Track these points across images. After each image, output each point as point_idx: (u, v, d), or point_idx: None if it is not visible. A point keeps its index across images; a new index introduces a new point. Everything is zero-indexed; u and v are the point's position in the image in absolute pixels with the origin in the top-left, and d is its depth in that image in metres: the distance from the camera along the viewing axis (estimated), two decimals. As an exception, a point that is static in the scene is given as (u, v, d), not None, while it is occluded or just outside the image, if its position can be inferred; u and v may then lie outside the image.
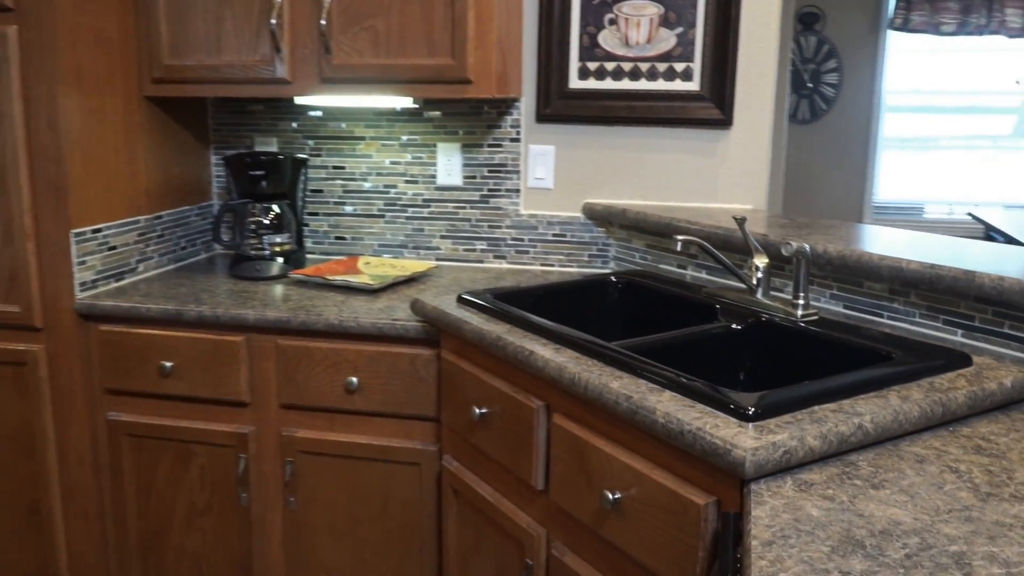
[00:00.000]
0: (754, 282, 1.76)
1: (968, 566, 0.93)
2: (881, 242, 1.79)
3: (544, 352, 1.54)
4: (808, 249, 1.67)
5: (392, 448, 2.05)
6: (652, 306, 2.00)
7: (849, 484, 1.13)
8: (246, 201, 2.40)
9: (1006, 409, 1.39)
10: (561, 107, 2.40)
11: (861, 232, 1.95)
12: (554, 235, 2.48)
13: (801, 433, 1.18)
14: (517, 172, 2.48)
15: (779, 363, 1.66)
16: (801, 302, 1.68)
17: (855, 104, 5.56)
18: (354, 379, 2.01)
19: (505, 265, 2.53)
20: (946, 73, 5.62)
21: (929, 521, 1.04)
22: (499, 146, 2.48)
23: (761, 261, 1.75)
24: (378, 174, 2.58)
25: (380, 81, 2.19)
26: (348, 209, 2.62)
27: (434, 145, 2.52)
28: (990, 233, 4.40)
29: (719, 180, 2.35)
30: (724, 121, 2.30)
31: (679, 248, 1.73)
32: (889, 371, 1.37)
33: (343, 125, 2.58)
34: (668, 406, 1.28)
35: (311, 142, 2.61)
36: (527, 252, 2.51)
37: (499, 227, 2.52)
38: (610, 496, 1.37)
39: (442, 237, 2.56)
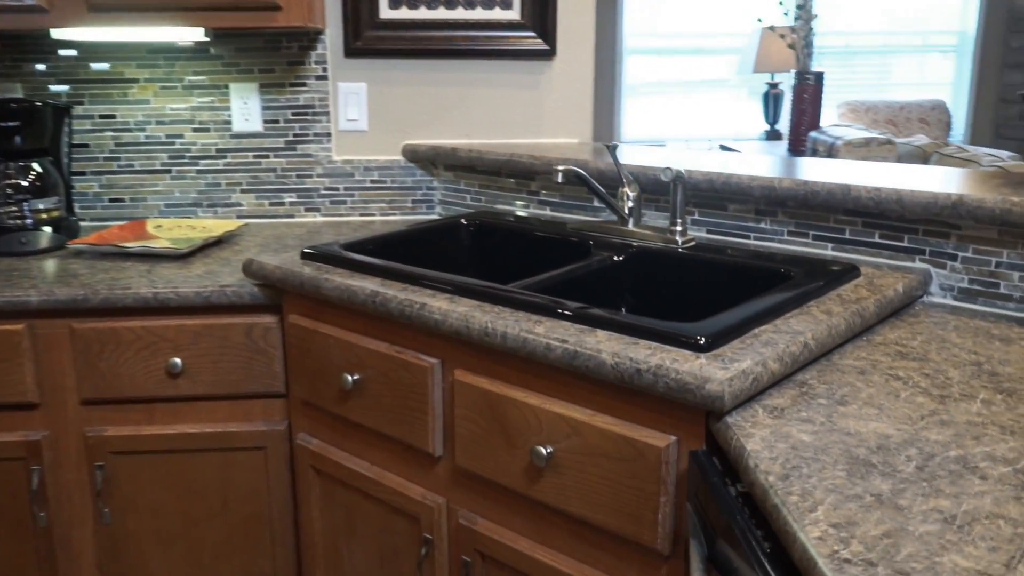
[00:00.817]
0: (626, 212, 1.69)
1: (978, 468, 0.92)
2: (729, 165, 1.79)
3: (438, 304, 1.37)
4: (684, 173, 1.62)
5: (229, 434, 1.78)
6: (516, 248, 1.88)
7: (816, 404, 1.09)
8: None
9: (897, 315, 1.43)
10: (372, 39, 2.17)
11: (703, 157, 1.94)
12: (372, 181, 2.27)
13: (761, 358, 1.12)
14: (326, 114, 2.23)
15: (677, 292, 1.61)
16: (679, 228, 1.64)
17: (599, 47, 5.72)
18: (177, 360, 1.71)
19: (320, 218, 2.28)
20: (686, 16, 5.94)
21: (912, 431, 1.01)
22: (303, 85, 2.21)
23: (633, 190, 1.68)
24: (158, 123, 2.21)
25: (165, 8, 1.85)
26: (123, 165, 2.23)
27: (226, 87, 2.20)
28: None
29: (545, 114, 2.26)
30: (548, 52, 2.21)
31: (560, 179, 1.61)
32: (803, 288, 1.35)
33: (108, 66, 2.18)
34: (612, 346, 1.17)
35: (67, 87, 2.18)
36: (344, 202, 2.28)
37: (310, 176, 2.26)
38: (543, 451, 1.25)
39: (243, 191, 2.26)
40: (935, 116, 5.85)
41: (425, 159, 2.23)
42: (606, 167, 1.84)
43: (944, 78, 6.25)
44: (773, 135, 5.85)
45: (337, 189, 2.27)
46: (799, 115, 4.08)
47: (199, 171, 2.24)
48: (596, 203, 1.95)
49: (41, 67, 2.17)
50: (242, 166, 2.24)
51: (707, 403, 1.06)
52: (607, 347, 1.16)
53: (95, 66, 2.17)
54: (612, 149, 1.67)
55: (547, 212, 2.05)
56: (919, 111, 5.82)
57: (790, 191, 1.60)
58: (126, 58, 2.17)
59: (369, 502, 1.61)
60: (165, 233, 2.05)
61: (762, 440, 1.00)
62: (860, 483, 0.90)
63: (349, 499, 1.65)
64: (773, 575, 0.85)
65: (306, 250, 1.66)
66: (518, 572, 1.37)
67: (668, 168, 1.58)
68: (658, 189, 1.81)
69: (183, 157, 2.23)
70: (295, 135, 2.24)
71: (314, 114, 2.23)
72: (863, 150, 3.35)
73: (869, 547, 0.78)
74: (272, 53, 2.19)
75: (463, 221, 1.94)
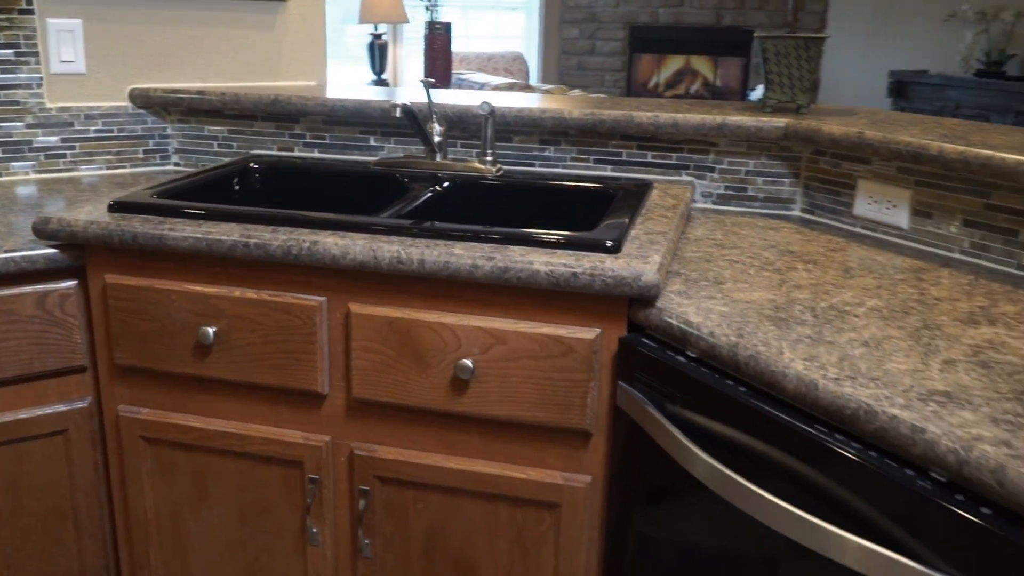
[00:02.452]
0: (436, 146, 1.78)
1: (848, 311, 1.24)
2: (515, 101, 1.97)
3: (332, 240, 1.37)
4: (494, 107, 1.76)
5: (19, 423, 1.54)
6: (324, 188, 1.85)
7: (702, 285, 1.34)
8: None
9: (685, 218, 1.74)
10: (89, -31, 1.94)
11: (476, 94, 2.09)
12: (96, 131, 2.04)
13: (659, 254, 1.33)
14: (35, 54, 1.94)
15: (511, 215, 1.75)
16: (490, 159, 1.78)
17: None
18: (-47, 344, 1.44)
19: (35, 175, 1.99)
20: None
21: (783, 294, 1.31)
22: (3, 21, 1.89)
23: (441, 125, 1.78)
24: None
25: None
26: None
27: None
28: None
29: (282, 57, 2.21)
30: (282, -9, 2.16)
31: (398, 114, 1.64)
32: (630, 201, 1.60)
33: None
34: (537, 257, 1.30)
35: None
36: (63, 155, 2.01)
37: (17, 126, 1.96)
38: (469, 364, 1.34)
39: (-69, 147, 1.88)
40: (516, 66, 6.55)
41: (159, 105, 2.06)
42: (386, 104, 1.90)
43: (518, 32, 6.99)
44: (380, 83, 6.08)
45: (53, 141, 2.00)
46: (432, 61, 4.35)
47: None
48: (373, 142, 2.00)
49: None
50: (-73, 116, 1.87)
51: (643, 292, 1.25)
52: (534, 259, 1.29)
53: None
54: (428, 86, 1.75)
55: (316, 154, 2.04)
56: (504, 61, 6.47)
57: (579, 120, 1.83)
58: None
59: (227, 460, 1.53)
60: None
61: (696, 313, 1.22)
62: (790, 331, 1.16)
63: (197, 463, 1.55)
64: (766, 408, 1.08)
65: (121, 201, 1.50)
66: (427, 486, 1.44)
67: (485, 103, 1.71)
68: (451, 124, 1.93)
69: None
70: (-4, 78, 1.92)
71: (19, 55, 1.93)
72: (507, 93, 3.72)
73: (839, 368, 1.05)
74: (-41, -20, 1.84)
75: (253, 165, 1.86)
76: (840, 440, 1.01)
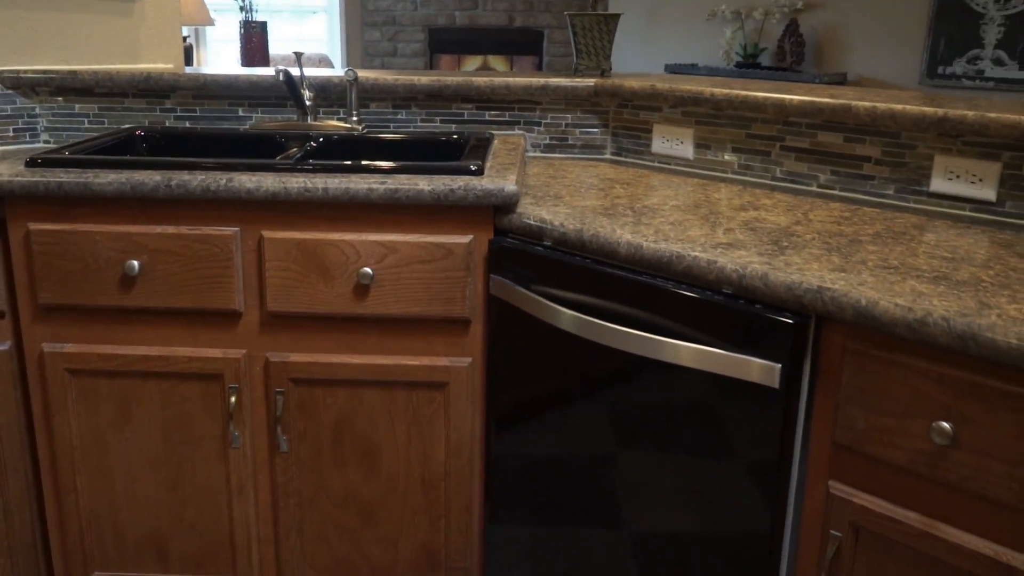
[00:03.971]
0: (306, 110, 2.06)
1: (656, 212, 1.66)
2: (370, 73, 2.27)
3: (245, 177, 1.63)
4: (357, 75, 2.07)
5: (-54, 366, 1.69)
6: (210, 148, 2.07)
7: (547, 199, 1.72)
8: None
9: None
10: (-45, -44, 2.06)
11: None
12: (-33, 110, 2.15)
13: (513, 177, 1.70)
14: (-97, 36, 2.03)
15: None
16: (355, 119, 2.08)
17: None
18: None
19: (-92, 153, 2.08)
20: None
21: (607, 198, 1.72)
22: None
23: (311, 91, 2.06)
24: None
25: None
26: None
27: None
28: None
29: (140, 41, 2.40)
30: (140, -20, 2.35)
31: (281, 79, 1.91)
32: (478, 146, 1.96)
33: None
34: (418, 181, 1.63)
35: None
36: (-66, 134, 2.11)
37: None
38: (369, 271, 1.65)
39: None
40: (323, 67, 6.77)
41: (28, 85, 2.19)
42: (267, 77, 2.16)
43: (322, 35, 7.20)
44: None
45: (-75, 120, 2.09)
46: (250, 59, 4.51)
47: None
48: (241, 113, 2.24)
49: None
50: None
51: (506, 200, 1.61)
52: (418, 182, 1.62)
53: None
54: (298, 56, 2.02)
55: (187, 125, 2.25)
56: (310, 62, 6.67)
57: (427, 86, 2.16)
58: None
59: (149, 382, 1.74)
60: None
61: (547, 214, 1.60)
62: (617, 220, 1.56)
63: (121, 388, 1.75)
64: (607, 269, 1.47)
65: (33, 158, 1.68)
66: (334, 382, 1.73)
67: (350, 70, 2.01)
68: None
69: None
70: None
71: None
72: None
73: (655, 236, 1.46)
74: None
75: (139, 133, 2.06)
76: (660, 280, 1.41)
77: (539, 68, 7.24)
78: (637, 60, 6.90)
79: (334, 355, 1.73)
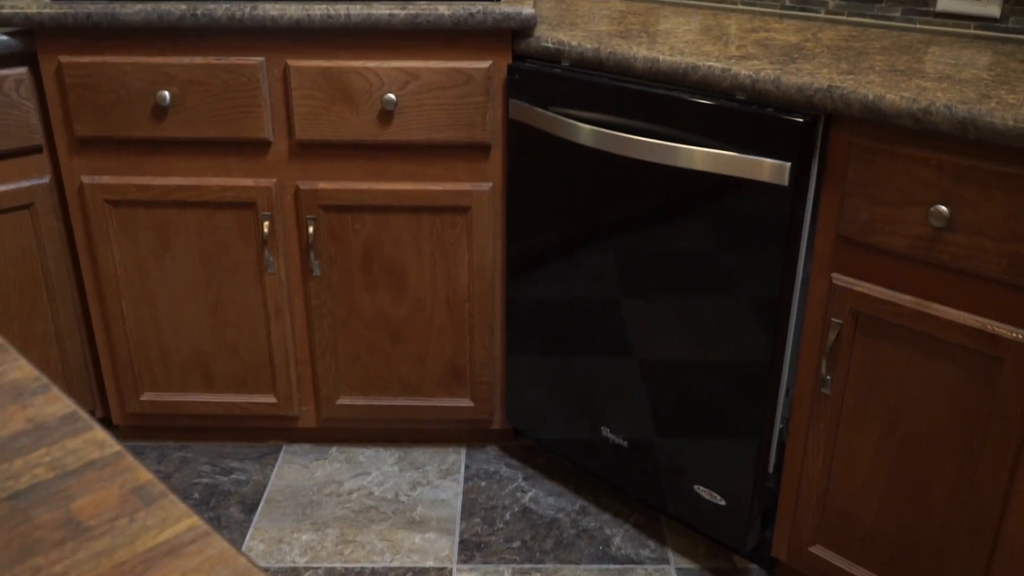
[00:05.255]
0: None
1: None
2: None
3: (267, 5, 1.67)
4: None
5: (-9, 197, 1.77)
6: None
7: (565, 25, 1.76)
8: None
9: None
10: None
11: None
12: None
13: (531, 1, 1.74)
14: None
15: None
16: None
17: None
18: (-71, 123, 1.64)
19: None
20: None
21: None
22: None
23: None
24: None
25: None
26: None
27: None
28: None
29: None
30: None
31: None
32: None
33: None
34: (438, 5, 1.67)
35: None
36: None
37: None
38: (393, 97, 1.71)
39: None
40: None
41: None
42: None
43: None
44: None
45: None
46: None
47: None
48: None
49: None
50: None
51: (525, 24, 1.66)
52: (437, 7, 1.66)
53: None
54: None
55: None
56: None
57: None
58: None
59: (185, 211, 1.83)
60: None
61: (565, 36, 1.65)
62: (632, 40, 1.62)
63: (159, 218, 1.84)
64: (624, 84, 1.54)
65: (62, -10, 1.72)
66: (362, 208, 1.82)
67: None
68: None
69: None
70: None
71: None
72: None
73: (669, 52, 1.52)
74: None
75: None
76: (676, 90, 1.48)
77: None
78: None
79: (361, 182, 1.81)
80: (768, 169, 1.37)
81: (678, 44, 1.58)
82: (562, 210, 1.71)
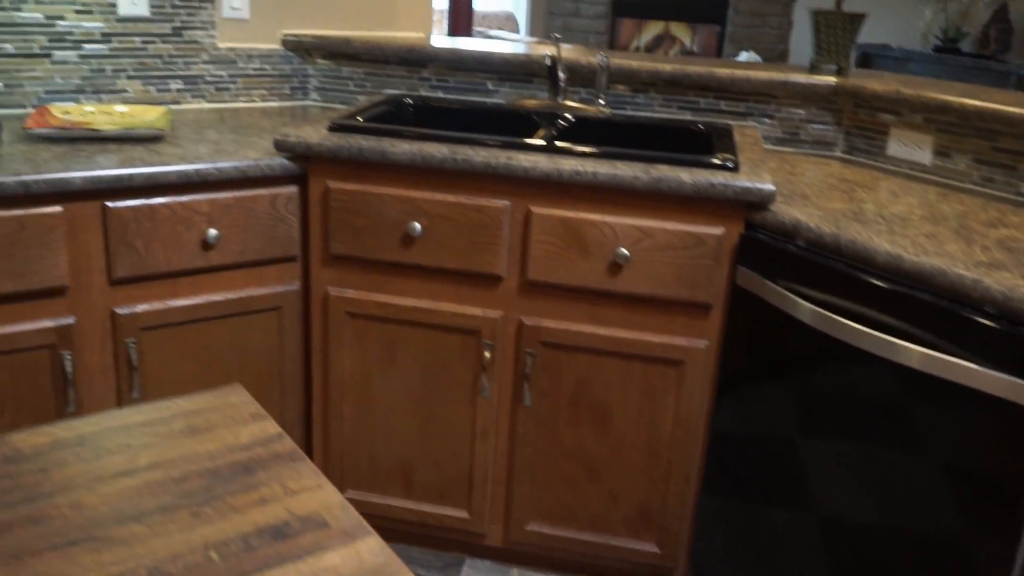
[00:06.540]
0: (560, 90, 2.22)
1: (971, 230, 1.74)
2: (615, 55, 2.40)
3: (521, 157, 1.80)
4: (609, 60, 2.20)
5: (249, 299, 1.95)
6: (468, 121, 2.27)
7: (797, 197, 1.82)
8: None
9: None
10: (259, -69, 2.30)
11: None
12: (254, 69, 2.41)
13: (767, 174, 1.81)
14: (211, 1, 2.30)
15: (628, 142, 2.18)
16: (603, 102, 2.22)
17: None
18: (212, 231, 1.84)
19: (206, 104, 2.36)
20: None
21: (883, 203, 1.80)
22: (190, -29, 2.25)
23: (564, 73, 2.21)
24: (37, 2, 2.08)
25: None
26: (-5, 48, 2.06)
27: (111, -33, 2.15)
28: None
29: (399, 9, 2.61)
30: (405, -45, 2.54)
31: (547, 63, 2.07)
32: (718, 136, 2.06)
33: (-23, -65, 1.98)
34: (678, 172, 1.76)
35: (-72, -44, 1.94)
36: (227, 89, 2.39)
37: (195, 63, 2.32)
38: (625, 252, 1.80)
39: (129, 77, 2.24)
40: (509, 24, 6.93)
41: (305, 48, 2.44)
42: (515, 54, 2.33)
43: (508, -8, 7.36)
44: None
45: (222, 76, 2.37)
46: (456, 17, 4.73)
47: (82, 56, 2.17)
48: (490, 86, 2.42)
49: None
50: (128, 51, 2.22)
51: (764, 199, 1.72)
52: (680, 173, 1.75)
53: (-40, -66, 1.97)
54: (556, 41, 2.18)
55: (440, 95, 2.45)
56: (497, 20, 6.84)
57: (670, 73, 2.28)
58: (-2, -72, 2.00)
59: (416, 330, 1.97)
60: (94, 118, 2.02)
61: (801, 215, 1.70)
62: (871, 227, 1.65)
63: (389, 333, 1.98)
64: (861, 275, 1.57)
65: (340, 123, 1.91)
66: (578, 348, 1.91)
67: (603, 55, 2.15)
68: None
69: (65, 40, 2.14)
70: (182, 21, 2.28)
71: (200, 1, 2.29)
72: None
73: (913, 248, 1.55)
74: (159, -64, 2.19)
75: (408, 100, 2.27)
76: (916, 289, 1.50)
77: (720, 39, 7.17)
78: (825, 36, 6.73)
79: (582, 324, 1.90)
80: (1012, 388, 1.37)
81: (918, 238, 1.60)
82: (774, 380, 1.75)
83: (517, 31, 7.02)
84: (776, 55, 7.10)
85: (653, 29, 7.30)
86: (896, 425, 1.56)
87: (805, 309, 1.64)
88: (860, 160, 2.25)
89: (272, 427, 0.81)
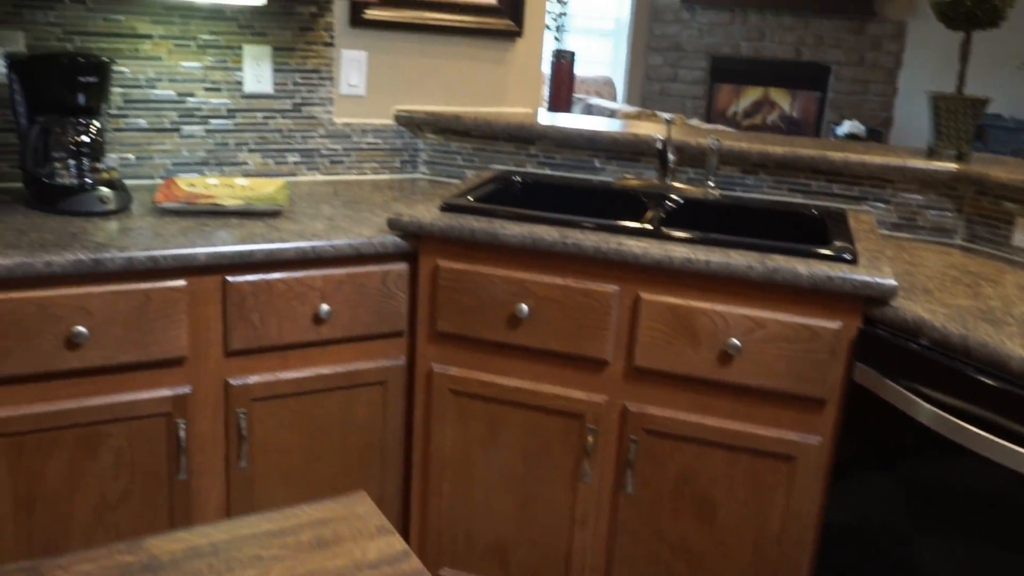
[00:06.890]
0: (668, 171, 2.21)
1: (1037, 317, 1.65)
2: (722, 136, 2.39)
3: (631, 242, 1.80)
4: (720, 143, 2.19)
5: (356, 372, 1.98)
6: (575, 200, 2.29)
7: (919, 292, 1.75)
8: (64, 117, 1.86)
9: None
10: (375, 12, 2.38)
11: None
12: (368, 143, 2.48)
13: (888, 267, 1.75)
14: (331, 79, 2.39)
15: (737, 228, 2.17)
16: (712, 184, 2.21)
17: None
18: (325, 306, 1.88)
19: (320, 176, 2.44)
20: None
21: (979, 302, 1.73)
22: (311, 51, 2.34)
23: (674, 154, 2.21)
24: (171, 80, 2.20)
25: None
26: (130, 123, 2.17)
27: (239, 47, 2.25)
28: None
29: (508, 86, 2.65)
30: (517, 32, 2.60)
31: (659, 146, 2.07)
32: (834, 223, 2.01)
33: (120, 18, 2.11)
34: (796, 263, 1.72)
35: (76, 39, 2.07)
36: (341, 162, 2.46)
37: (312, 137, 2.40)
38: (737, 342, 1.76)
39: (250, 151, 2.33)
40: (607, 89, 6.99)
41: (417, 124, 2.50)
42: (627, 135, 2.34)
43: (606, 58, 7.43)
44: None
45: (336, 150, 2.44)
46: (558, 87, 4.81)
47: (209, 130, 2.27)
48: (597, 164, 2.43)
49: (49, 15, 2.03)
50: (250, 126, 2.32)
51: (885, 294, 1.67)
52: (795, 264, 1.71)
53: (106, 17, 2.09)
54: (669, 122, 2.18)
55: (547, 171, 2.48)
56: (596, 84, 6.91)
57: (781, 156, 2.25)
58: (140, 12, 2.12)
59: (518, 411, 1.96)
60: (216, 191, 2.10)
61: (924, 312, 1.64)
62: (1002, 329, 1.58)
63: (492, 412, 1.97)
64: (990, 381, 1.49)
65: (452, 203, 1.94)
66: (684, 438, 1.86)
67: (714, 139, 2.14)
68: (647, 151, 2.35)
69: (194, 116, 2.24)
70: (302, 98, 2.36)
71: (320, 78, 2.37)
72: (635, 121, 4.16)
73: (1062, 353, 1.46)
74: (285, 18, 2.29)
75: (516, 178, 2.30)
76: (1059, 403, 1.42)
77: (822, 104, 7.08)
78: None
79: (688, 413, 1.86)
80: None
81: (1054, 342, 1.52)
82: (890, 478, 1.67)
83: (615, 97, 7.07)
84: (879, 123, 6.96)
85: (752, 95, 7.26)
86: (1017, 530, 1.46)
87: (926, 411, 1.57)
88: (983, 249, 2.16)
89: (398, 543, 0.81)
